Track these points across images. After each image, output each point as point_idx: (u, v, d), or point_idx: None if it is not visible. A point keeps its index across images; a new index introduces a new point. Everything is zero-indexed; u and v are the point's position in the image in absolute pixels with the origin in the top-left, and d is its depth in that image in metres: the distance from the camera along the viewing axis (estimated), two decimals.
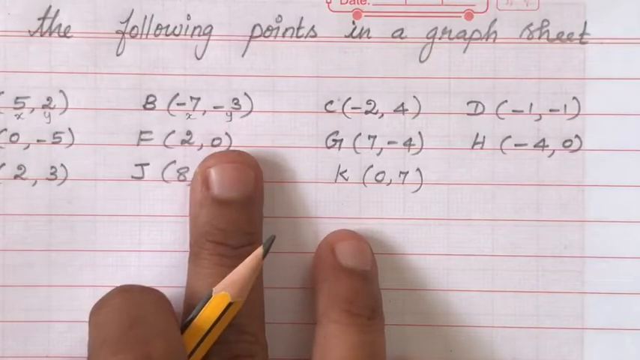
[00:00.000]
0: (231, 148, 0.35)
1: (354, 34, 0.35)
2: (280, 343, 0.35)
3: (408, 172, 0.35)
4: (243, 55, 0.35)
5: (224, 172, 0.33)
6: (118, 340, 0.29)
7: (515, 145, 0.35)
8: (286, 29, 0.35)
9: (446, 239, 0.35)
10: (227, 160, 0.33)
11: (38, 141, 0.34)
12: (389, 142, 0.35)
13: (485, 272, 0.35)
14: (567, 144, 0.35)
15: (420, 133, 0.35)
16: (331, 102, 0.35)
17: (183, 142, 0.35)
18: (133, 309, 0.30)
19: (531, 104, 0.35)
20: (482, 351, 0.35)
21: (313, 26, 0.35)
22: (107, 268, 0.34)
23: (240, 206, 0.33)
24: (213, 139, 0.35)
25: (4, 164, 0.34)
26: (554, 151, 0.35)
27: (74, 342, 0.34)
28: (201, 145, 0.35)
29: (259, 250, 0.32)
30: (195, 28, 0.34)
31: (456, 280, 0.35)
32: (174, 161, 0.35)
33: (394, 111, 0.35)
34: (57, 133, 0.34)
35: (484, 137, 0.35)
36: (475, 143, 0.35)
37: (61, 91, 0.34)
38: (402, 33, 0.35)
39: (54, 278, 0.34)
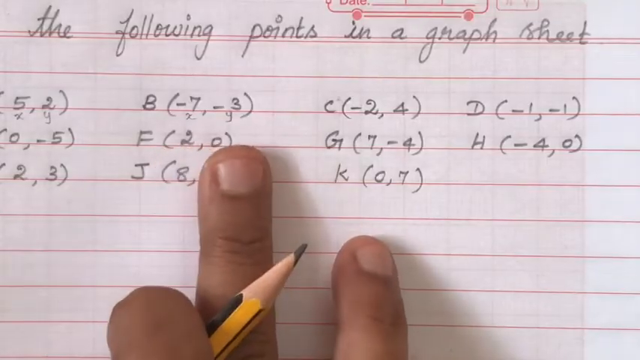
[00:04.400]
0: (239, 143, 0.34)
1: (354, 34, 0.35)
2: (284, 344, 0.34)
3: (408, 172, 0.35)
4: (243, 55, 0.35)
5: (233, 167, 0.33)
6: (145, 344, 0.29)
7: (515, 145, 0.35)
8: (286, 29, 0.35)
9: (446, 239, 0.35)
10: (235, 156, 0.33)
11: (38, 141, 0.34)
12: (389, 142, 0.35)
13: (485, 272, 0.35)
14: (567, 144, 0.35)
15: (419, 133, 0.35)
16: (331, 102, 0.35)
17: (183, 142, 0.35)
18: (157, 310, 0.30)
19: (531, 104, 0.35)
20: (482, 351, 0.35)
21: (313, 26, 0.35)
22: (107, 268, 0.34)
23: (251, 201, 0.33)
24: (213, 139, 0.35)
25: (4, 164, 0.34)
26: (554, 150, 0.35)
27: (74, 342, 0.34)
28: (202, 145, 0.35)
29: (290, 258, 0.32)
30: (195, 28, 0.34)
31: (456, 280, 0.35)
32: (174, 161, 0.35)
33: (394, 111, 0.35)
34: (57, 133, 0.34)
35: (484, 137, 0.35)
36: (475, 143, 0.35)
37: (61, 91, 0.34)
38: (401, 33, 0.35)
39: (54, 278, 0.34)
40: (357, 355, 0.31)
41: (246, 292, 0.31)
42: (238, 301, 0.31)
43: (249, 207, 0.33)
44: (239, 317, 0.31)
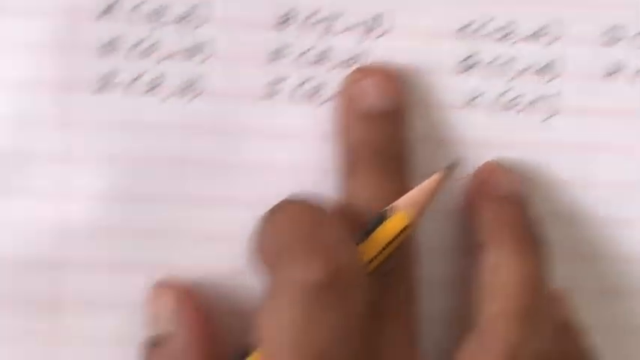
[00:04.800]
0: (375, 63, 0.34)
1: None
2: None
3: (544, 98, 0.34)
4: None
5: (372, 85, 0.33)
6: (302, 245, 0.28)
7: None
8: None
9: (582, 168, 0.34)
10: (374, 74, 0.33)
11: (175, 54, 0.34)
12: (525, 68, 0.34)
13: (630, 201, 0.34)
14: None
15: (558, 59, 0.34)
16: (468, 25, 0.34)
17: (318, 60, 0.34)
18: (310, 216, 0.30)
19: None
20: (623, 284, 0.34)
21: None
22: (238, 183, 0.34)
23: (390, 118, 0.33)
24: (350, 59, 0.34)
25: (140, 76, 0.34)
26: None
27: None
28: (337, 64, 0.34)
29: (439, 175, 0.31)
30: None
31: (594, 209, 0.34)
32: (309, 79, 0.34)
33: (532, 35, 0.34)
34: (193, 47, 0.34)
35: (623, 65, 0.34)
36: (613, 72, 0.34)
37: (204, 2, 0.34)
38: None
39: (184, 191, 0.34)
40: (504, 275, 0.31)
41: (393, 207, 0.31)
42: (385, 215, 0.31)
43: (389, 124, 0.33)
44: (387, 230, 0.30)
